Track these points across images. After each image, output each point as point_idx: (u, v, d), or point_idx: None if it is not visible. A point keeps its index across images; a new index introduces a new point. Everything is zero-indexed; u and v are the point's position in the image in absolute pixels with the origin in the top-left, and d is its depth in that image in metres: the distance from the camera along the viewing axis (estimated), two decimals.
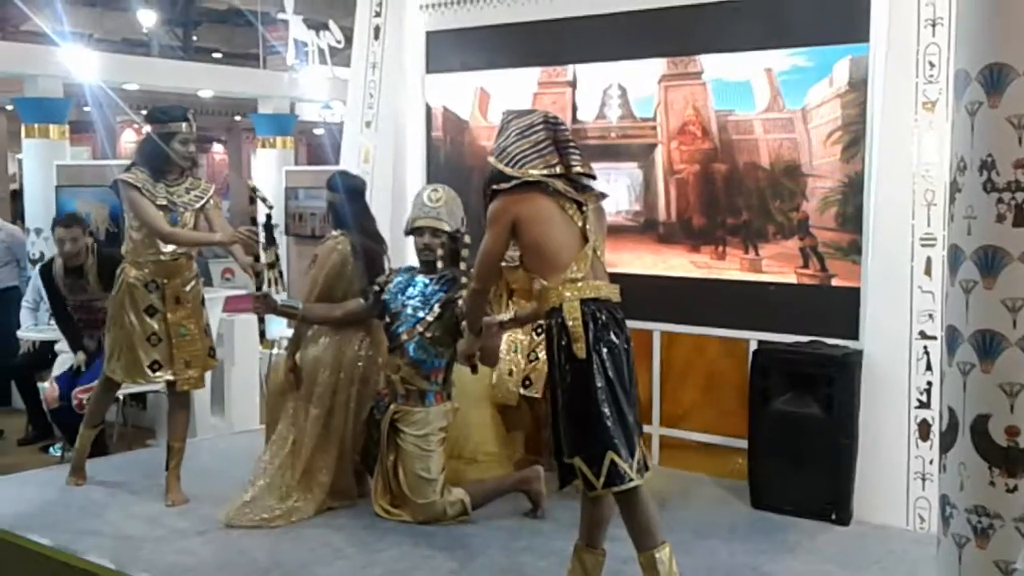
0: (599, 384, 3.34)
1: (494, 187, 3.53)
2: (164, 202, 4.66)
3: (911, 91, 4.47)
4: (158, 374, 4.80)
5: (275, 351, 8.04)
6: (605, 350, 3.35)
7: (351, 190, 4.82)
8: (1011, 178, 2.53)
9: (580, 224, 3.49)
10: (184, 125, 4.72)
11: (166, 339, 4.75)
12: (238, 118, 17.28)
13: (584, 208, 3.51)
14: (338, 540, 4.31)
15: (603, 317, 3.39)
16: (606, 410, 3.34)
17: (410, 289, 4.56)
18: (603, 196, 3.66)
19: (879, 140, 4.62)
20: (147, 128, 4.79)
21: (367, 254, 4.69)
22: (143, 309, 4.72)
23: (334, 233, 4.77)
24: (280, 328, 8.15)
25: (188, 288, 4.80)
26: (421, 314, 4.48)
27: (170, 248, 4.71)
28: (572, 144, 3.58)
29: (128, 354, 4.75)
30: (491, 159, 3.59)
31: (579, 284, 3.40)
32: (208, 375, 6.96)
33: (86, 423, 5.06)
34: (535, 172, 3.47)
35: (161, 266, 4.72)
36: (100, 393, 5.07)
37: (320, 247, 4.80)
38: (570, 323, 3.35)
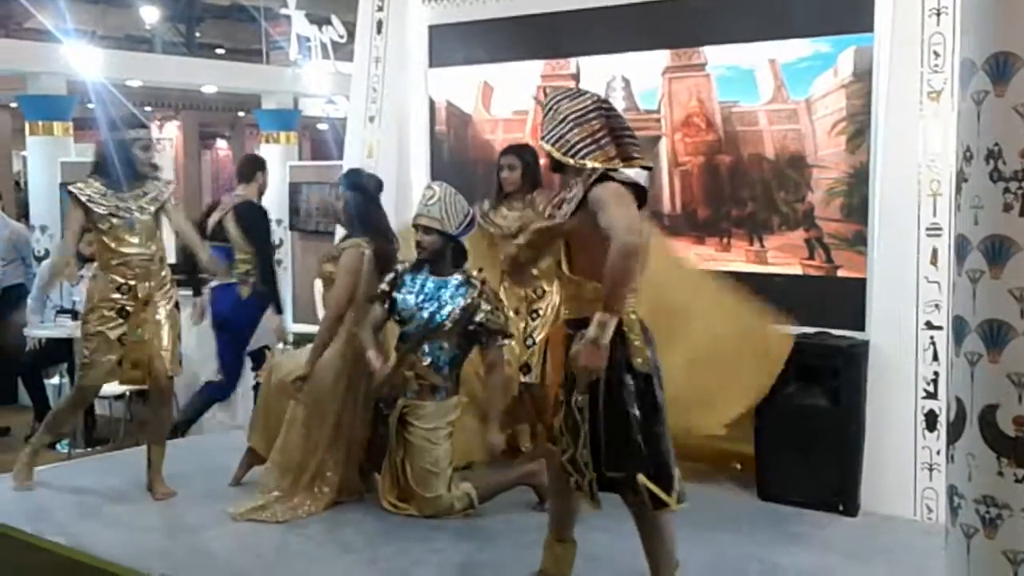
0: (661, 398, 3.31)
1: (601, 171, 3.26)
2: (105, 211, 4.65)
3: (916, 81, 4.45)
4: (122, 374, 4.80)
5: (280, 347, 8.04)
6: (653, 361, 3.32)
7: (368, 189, 4.78)
8: (1018, 167, 2.51)
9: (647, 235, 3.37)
10: (143, 131, 4.74)
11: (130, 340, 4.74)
12: (241, 114, 17.28)
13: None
14: (345, 535, 4.32)
15: (649, 329, 3.35)
16: (669, 423, 3.32)
17: (423, 290, 4.50)
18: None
19: (884, 130, 4.61)
20: (106, 136, 4.78)
21: (384, 256, 4.67)
22: (117, 312, 4.70)
23: (351, 238, 4.70)
24: (286, 324, 8.16)
25: (160, 293, 4.76)
26: (439, 319, 4.43)
27: (134, 250, 4.69)
28: (628, 132, 3.39)
29: (99, 358, 4.72)
30: (546, 146, 3.39)
31: (635, 295, 3.30)
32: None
33: (49, 431, 5.03)
34: (594, 164, 3.28)
35: (128, 268, 4.70)
36: (68, 408, 5.09)
37: (344, 255, 4.64)
38: (637, 342, 3.27)
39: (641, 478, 3.28)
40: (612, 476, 3.36)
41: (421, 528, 4.34)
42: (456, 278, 4.49)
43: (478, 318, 4.42)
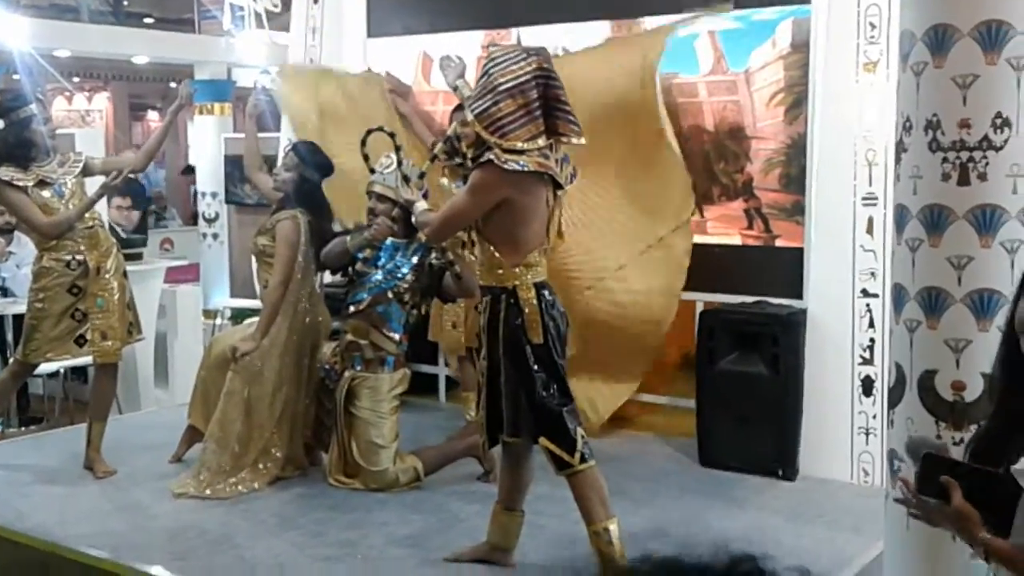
0: (560, 363, 3.38)
1: (490, 157, 3.31)
2: (32, 182, 4.57)
3: (852, 52, 4.51)
4: (84, 348, 4.74)
5: (218, 322, 7.94)
6: (554, 331, 3.39)
7: (315, 169, 4.71)
8: (956, 137, 2.57)
9: (556, 219, 3.45)
10: (35, 106, 4.65)
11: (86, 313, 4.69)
12: (173, 84, 16.88)
13: (558, 193, 3.45)
14: (289, 510, 4.30)
15: (549, 297, 3.42)
16: (567, 387, 3.40)
17: (381, 254, 4.53)
18: (575, 175, 3.55)
19: (821, 101, 4.66)
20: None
21: (319, 232, 4.64)
22: (67, 289, 4.64)
23: (284, 210, 4.64)
24: (223, 299, 8.05)
25: (109, 260, 4.73)
26: (394, 280, 4.46)
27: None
28: (564, 105, 3.36)
29: (50, 332, 4.66)
30: (471, 116, 3.37)
31: (534, 268, 3.40)
32: (151, 346, 6.92)
33: None
34: (519, 144, 3.29)
35: (73, 241, 4.63)
36: (9, 379, 5.00)
37: (280, 227, 4.58)
38: (527, 310, 3.35)
39: (543, 440, 3.39)
40: (509, 440, 3.51)
41: (367, 502, 4.33)
42: (411, 241, 4.49)
43: (431, 259, 4.45)
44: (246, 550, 3.90)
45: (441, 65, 4.09)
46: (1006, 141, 2.54)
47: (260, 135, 5.22)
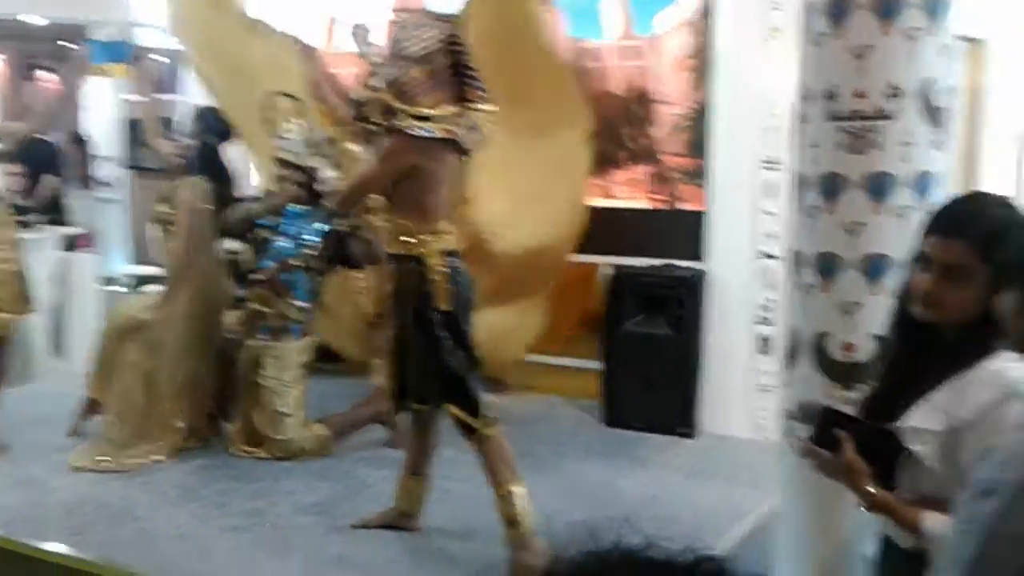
0: (467, 329, 3.39)
1: (399, 125, 3.33)
2: None
3: (757, 18, 4.57)
4: None
5: (117, 289, 7.75)
6: (461, 298, 3.40)
7: (216, 135, 4.64)
8: (851, 107, 2.62)
9: (463, 185, 3.49)
10: None
11: None
12: (68, 44, 16.29)
13: (464, 160, 3.45)
14: (192, 481, 4.23)
15: (457, 264, 3.42)
16: (474, 354, 3.41)
17: (286, 221, 4.47)
18: (484, 141, 3.51)
19: (725, 67, 4.72)
20: None
21: (221, 197, 4.57)
22: None
23: (187, 177, 4.56)
24: (122, 266, 7.85)
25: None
26: (300, 247, 4.42)
27: None
28: (471, 71, 3.38)
29: None
30: (380, 84, 3.37)
31: (442, 235, 3.39)
32: (46, 315, 6.72)
33: None
34: (426, 111, 3.31)
35: None
36: None
37: (181, 192, 4.50)
38: (434, 278, 3.35)
39: (449, 406, 3.43)
40: (416, 407, 3.54)
41: (273, 471, 4.29)
42: (316, 207, 4.44)
43: (337, 226, 4.41)
44: (147, 523, 3.82)
45: (353, 33, 4.05)
46: (898, 110, 2.60)
47: (160, 96, 5.09)
